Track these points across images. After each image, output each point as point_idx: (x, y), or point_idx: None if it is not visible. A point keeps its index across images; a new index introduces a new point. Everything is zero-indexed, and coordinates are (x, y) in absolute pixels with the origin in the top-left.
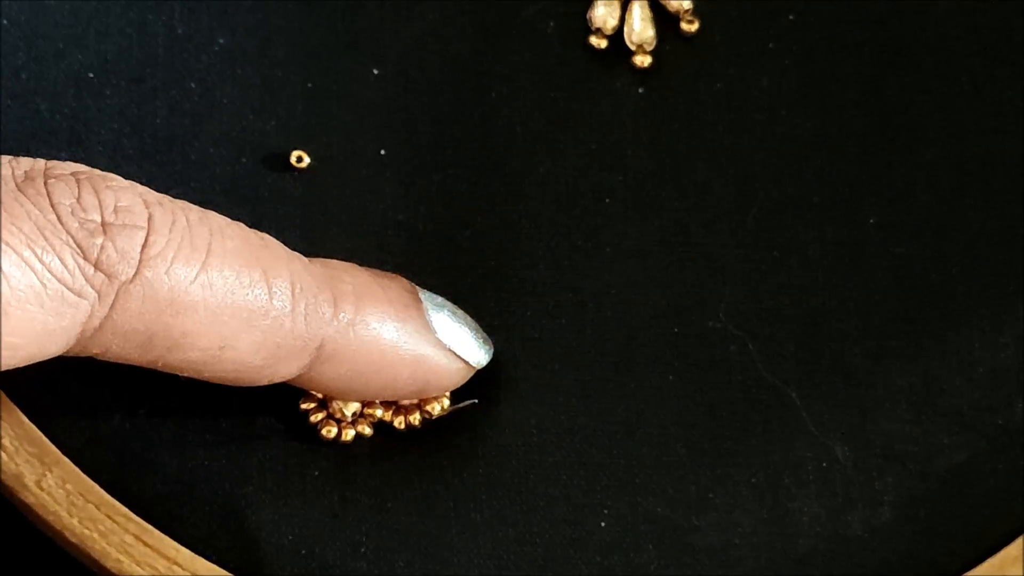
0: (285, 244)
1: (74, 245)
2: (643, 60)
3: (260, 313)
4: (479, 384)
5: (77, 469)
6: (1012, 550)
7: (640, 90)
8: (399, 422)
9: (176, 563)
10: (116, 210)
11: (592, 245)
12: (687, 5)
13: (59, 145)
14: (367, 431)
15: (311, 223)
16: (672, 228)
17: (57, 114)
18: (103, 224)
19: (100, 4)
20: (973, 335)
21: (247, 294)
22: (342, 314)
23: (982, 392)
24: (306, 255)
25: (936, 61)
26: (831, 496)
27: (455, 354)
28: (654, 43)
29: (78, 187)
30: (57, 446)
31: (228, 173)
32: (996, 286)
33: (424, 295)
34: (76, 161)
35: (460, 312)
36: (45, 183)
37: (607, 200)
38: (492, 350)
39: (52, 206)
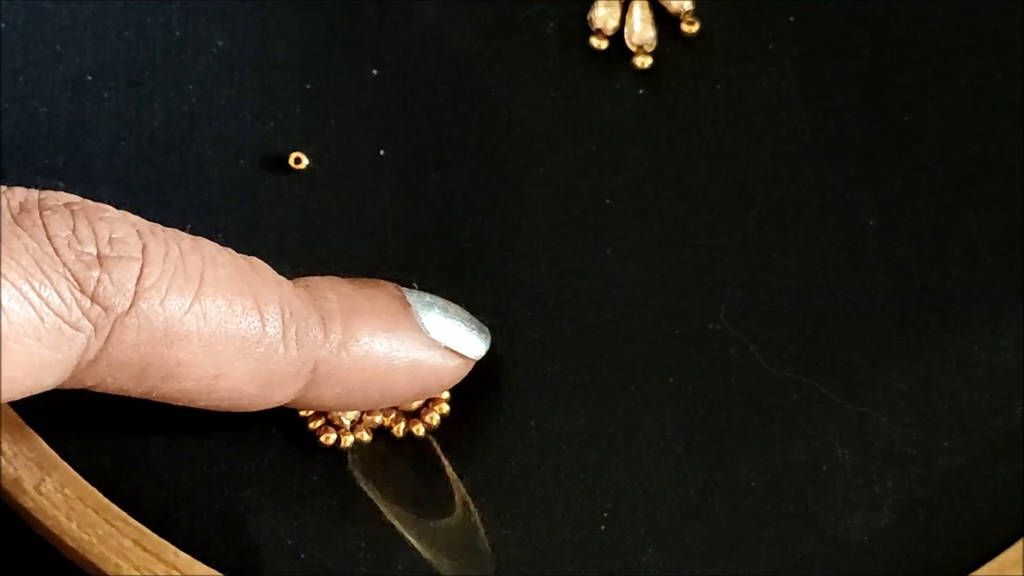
0: (284, 246)
1: (71, 278)
2: (643, 61)
3: (253, 341)
4: (478, 386)
5: (76, 474)
6: (1012, 553)
7: (640, 91)
8: (398, 430)
9: (175, 568)
10: (111, 242)
11: (592, 246)
12: (687, 6)
13: (57, 148)
14: (366, 437)
15: (310, 225)
16: (672, 229)
17: (55, 117)
18: (99, 256)
19: (98, 7)
20: (973, 337)
21: (240, 322)
22: (332, 335)
23: (982, 394)
24: (305, 257)
25: (936, 62)
26: (830, 499)
27: (451, 351)
28: (654, 44)
29: (73, 219)
30: (56, 451)
31: (226, 175)
32: (996, 288)
33: (412, 296)
34: (74, 164)
35: (452, 307)
36: (41, 215)
37: (607, 201)
38: (489, 337)
39: (49, 239)
